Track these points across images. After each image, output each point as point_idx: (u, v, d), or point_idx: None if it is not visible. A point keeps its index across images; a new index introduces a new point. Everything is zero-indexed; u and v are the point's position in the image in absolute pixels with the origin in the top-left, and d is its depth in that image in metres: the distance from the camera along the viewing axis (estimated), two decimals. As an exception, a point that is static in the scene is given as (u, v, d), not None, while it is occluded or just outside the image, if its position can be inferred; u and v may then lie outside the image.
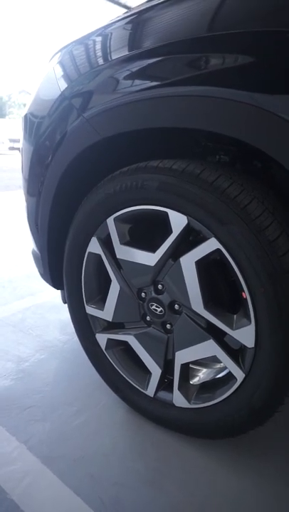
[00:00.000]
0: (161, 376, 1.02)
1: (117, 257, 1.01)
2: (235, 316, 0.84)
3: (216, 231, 0.80)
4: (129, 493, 0.89)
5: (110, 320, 1.09)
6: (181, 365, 0.96)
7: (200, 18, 0.75)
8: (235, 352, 0.87)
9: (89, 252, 1.08)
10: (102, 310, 1.10)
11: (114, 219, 0.98)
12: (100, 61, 0.92)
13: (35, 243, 1.31)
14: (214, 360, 1.00)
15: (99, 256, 1.06)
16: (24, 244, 3.03)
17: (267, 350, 0.79)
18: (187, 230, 0.85)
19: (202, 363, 1.05)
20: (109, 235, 1.02)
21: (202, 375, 1.03)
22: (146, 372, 1.07)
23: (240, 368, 0.85)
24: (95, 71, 0.91)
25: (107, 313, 1.09)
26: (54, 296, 2.00)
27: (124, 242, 0.99)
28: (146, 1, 0.86)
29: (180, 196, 0.83)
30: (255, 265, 0.75)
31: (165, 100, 0.80)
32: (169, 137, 1.00)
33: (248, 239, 0.75)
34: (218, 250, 0.81)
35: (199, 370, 1.04)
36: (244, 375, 0.84)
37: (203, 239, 0.83)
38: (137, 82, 0.83)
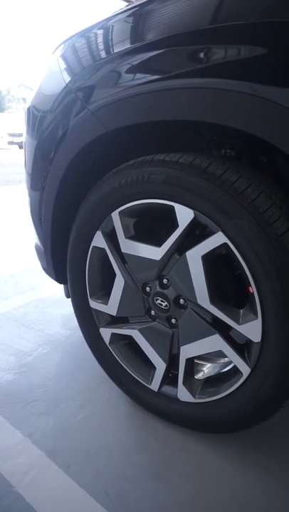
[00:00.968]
0: (165, 371, 1.02)
1: (122, 251, 1.01)
2: (241, 310, 0.84)
3: (223, 225, 0.79)
4: (134, 486, 0.89)
5: (114, 314, 1.09)
6: (186, 359, 0.96)
7: (201, 10, 0.75)
8: (241, 346, 0.87)
9: (93, 247, 1.08)
10: (107, 304, 1.10)
11: (120, 213, 0.98)
12: (106, 53, 0.90)
13: (39, 237, 1.30)
14: (219, 354, 1.00)
15: (103, 250, 1.06)
16: (25, 238, 3.02)
17: (273, 344, 0.79)
18: (193, 224, 0.84)
19: (206, 357, 1.05)
20: (113, 229, 1.01)
21: (207, 369, 1.03)
22: (151, 367, 1.07)
23: (246, 363, 0.85)
24: (101, 63, 0.90)
25: (112, 307, 1.09)
26: (56, 290, 2.00)
27: (129, 236, 0.99)
28: None
29: (187, 190, 0.82)
30: (263, 259, 0.75)
31: (172, 92, 0.79)
32: (175, 131, 1.00)
33: (256, 233, 0.74)
34: (224, 244, 0.80)
35: (204, 364, 1.04)
36: (250, 370, 0.84)
37: (210, 233, 0.83)
38: (145, 74, 0.82)
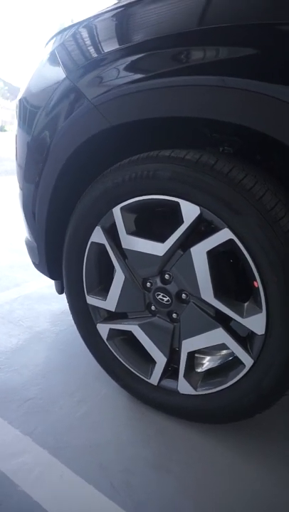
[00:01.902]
0: (166, 365, 1.04)
1: (123, 247, 1.01)
2: (245, 304, 0.86)
3: (229, 221, 0.81)
4: (140, 478, 0.91)
5: (113, 310, 1.09)
6: (188, 353, 0.98)
7: (205, 10, 0.76)
8: (243, 339, 0.90)
9: (92, 242, 1.07)
10: (105, 300, 1.10)
11: (121, 208, 0.97)
12: (113, 45, 0.89)
13: (31, 232, 1.27)
14: (218, 347, 1.03)
15: (102, 246, 1.05)
16: (4, 233, 2.93)
17: (277, 336, 0.82)
18: (199, 220, 0.86)
19: (205, 350, 1.08)
20: (114, 225, 1.01)
21: (207, 362, 1.06)
22: (150, 361, 1.08)
23: (249, 354, 0.88)
24: (106, 56, 0.89)
25: (110, 303, 1.09)
26: (41, 286, 1.97)
27: (131, 232, 0.99)
28: None
29: (194, 187, 0.83)
30: (270, 255, 0.78)
31: (180, 89, 0.79)
32: (175, 127, 1.00)
33: (263, 229, 0.77)
34: (230, 240, 0.83)
35: (204, 357, 1.07)
36: (253, 361, 0.87)
37: (215, 229, 0.85)
38: (153, 68, 0.82)
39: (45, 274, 1.32)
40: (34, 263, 1.36)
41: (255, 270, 0.81)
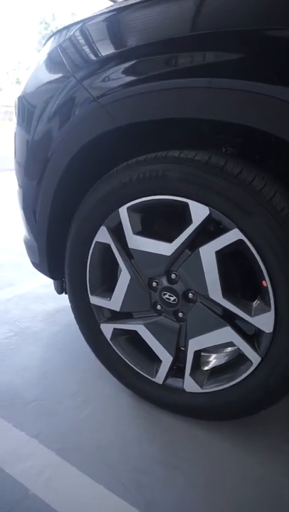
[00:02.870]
0: (171, 364, 1.05)
1: (129, 246, 1.00)
2: (254, 303, 0.88)
3: (239, 222, 0.82)
4: (150, 476, 0.91)
5: (118, 310, 1.09)
6: (195, 351, 0.99)
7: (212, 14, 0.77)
8: (250, 337, 0.92)
9: (96, 242, 1.06)
10: (109, 300, 1.09)
11: (128, 208, 0.97)
12: (123, 43, 0.88)
13: (31, 231, 1.25)
14: (223, 345, 1.05)
15: (107, 246, 1.05)
16: (-9, 232, 2.88)
17: (285, 334, 0.84)
18: (208, 220, 0.87)
19: (211, 349, 1.09)
20: (119, 225, 1.00)
21: (213, 360, 1.07)
22: (154, 360, 1.09)
23: (257, 352, 0.89)
24: (117, 54, 0.88)
25: (115, 302, 1.08)
26: (35, 286, 1.94)
27: (137, 232, 0.99)
28: None
29: (204, 187, 0.84)
30: (279, 255, 0.79)
31: (191, 91, 0.80)
32: (178, 128, 1.00)
33: (274, 230, 0.78)
34: (239, 241, 0.84)
35: (209, 355, 1.08)
36: (260, 359, 0.89)
37: (225, 229, 0.86)
38: (164, 69, 0.82)
39: (45, 274, 1.31)
40: (33, 263, 1.34)
41: (264, 270, 0.82)
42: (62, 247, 1.16)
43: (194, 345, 0.98)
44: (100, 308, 1.14)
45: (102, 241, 1.05)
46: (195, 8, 0.78)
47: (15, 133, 1.21)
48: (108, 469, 0.93)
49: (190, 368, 1.01)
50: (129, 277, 1.03)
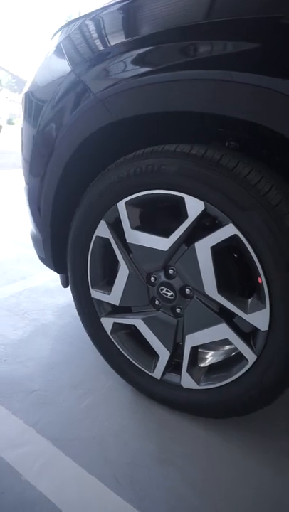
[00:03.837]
0: (169, 359, 1.04)
1: (127, 241, 1.01)
2: (249, 300, 0.86)
3: (234, 217, 0.81)
4: (143, 471, 0.92)
5: (117, 304, 1.09)
6: (191, 347, 0.98)
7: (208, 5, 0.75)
8: (247, 334, 0.90)
9: (96, 236, 1.07)
10: (109, 294, 1.10)
11: (126, 203, 0.97)
12: (119, 39, 0.88)
13: (37, 226, 1.28)
14: (221, 343, 1.03)
15: (107, 240, 1.05)
16: (11, 226, 2.95)
17: (280, 332, 0.82)
18: (203, 215, 0.85)
19: (208, 346, 1.08)
20: (118, 219, 1.01)
21: (210, 357, 1.06)
22: (153, 355, 1.09)
23: (252, 350, 0.88)
24: (113, 49, 0.88)
25: (115, 297, 1.09)
26: (46, 280, 1.98)
27: (135, 227, 0.99)
28: None
29: (199, 181, 0.83)
30: (274, 251, 0.77)
31: (192, 83, 0.78)
32: (180, 122, 0.99)
33: (268, 225, 0.76)
34: (234, 236, 0.82)
35: (207, 352, 1.07)
36: (256, 357, 0.87)
37: (219, 225, 0.84)
38: (160, 63, 0.81)
39: (50, 268, 1.33)
40: (40, 257, 1.36)
41: (259, 266, 0.81)
42: (65, 241, 1.18)
43: (191, 341, 0.98)
44: (100, 302, 1.15)
45: (102, 235, 1.06)
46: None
47: (22, 129, 1.24)
48: (103, 462, 0.94)
49: (187, 364, 1.00)
50: (128, 272, 1.04)
